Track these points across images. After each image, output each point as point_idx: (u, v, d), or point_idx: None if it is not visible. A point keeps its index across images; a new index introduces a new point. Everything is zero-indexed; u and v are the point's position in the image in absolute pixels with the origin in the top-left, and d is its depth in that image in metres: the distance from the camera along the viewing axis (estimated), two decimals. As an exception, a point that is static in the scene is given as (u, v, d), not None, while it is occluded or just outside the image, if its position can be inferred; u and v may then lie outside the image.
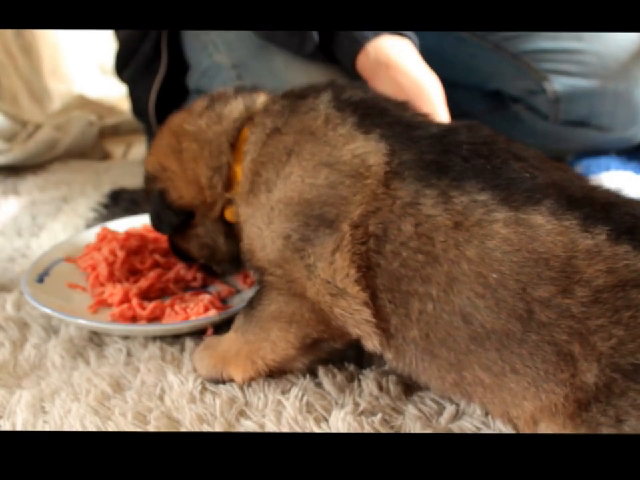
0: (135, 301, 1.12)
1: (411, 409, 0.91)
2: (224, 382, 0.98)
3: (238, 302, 1.16)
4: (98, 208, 1.64)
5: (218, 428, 0.89)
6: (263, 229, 0.93)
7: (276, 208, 0.92)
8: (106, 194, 1.71)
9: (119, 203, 1.66)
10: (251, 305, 0.97)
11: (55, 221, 1.58)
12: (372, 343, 0.87)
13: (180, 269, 1.22)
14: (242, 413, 0.92)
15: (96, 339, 1.11)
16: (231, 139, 1.02)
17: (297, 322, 0.92)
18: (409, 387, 0.96)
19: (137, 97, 1.82)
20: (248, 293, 1.18)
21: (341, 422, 0.87)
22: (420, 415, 0.90)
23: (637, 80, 1.59)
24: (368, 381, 0.96)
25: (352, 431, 0.86)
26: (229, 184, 1.02)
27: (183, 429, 0.89)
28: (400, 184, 0.85)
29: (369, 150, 0.88)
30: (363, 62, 1.25)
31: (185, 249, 1.14)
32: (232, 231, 1.05)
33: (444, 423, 0.89)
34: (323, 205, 0.88)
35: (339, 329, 0.90)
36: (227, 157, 1.02)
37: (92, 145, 2.01)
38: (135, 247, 1.26)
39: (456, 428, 0.88)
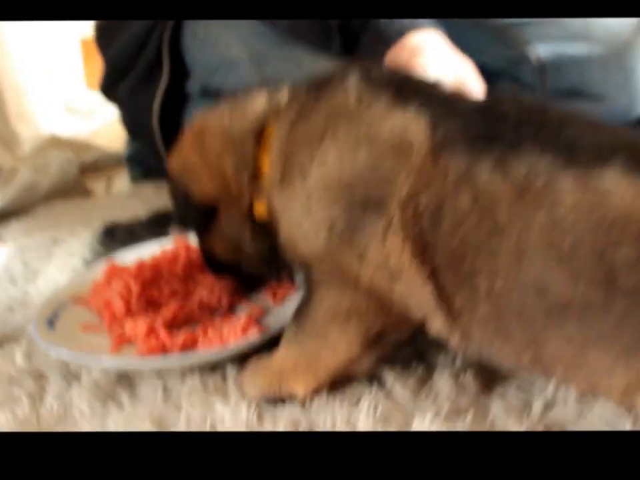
0: (162, 332, 1.02)
1: (497, 404, 0.82)
2: (283, 400, 0.89)
3: (272, 322, 1.06)
4: (93, 245, 1.53)
5: (288, 456, 0.79)
6: (302, 219, 0.85)
7: (314, 195, 0.84)
8: (98, 231, 1.60)
9: (115, 237, 1.55)
10: (300, 313, 0.89)
11: (48, 264, 1.46)
12: (437, 325, 0.81)
13: (203, 293, 1.11)
14: (310, 436, 0.82)
15: (124, 379, 1.00)
16: (256, 130, 0.94)
17: (356, 317, 0.84)
18: (487, 381, 0.87)
19: (136, 111, 1.73)
20: (281, 311, 1.09)
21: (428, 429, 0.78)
22: (509, 408, 0.81)
23: (626, 42, 1.54)
24: (442, 381, 0.87)
25: (444, 436, 0.77)
26: (255, 177, 0.94)
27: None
28: (448, 158, 0.77)
29: (408, 125, 0.81)
30: (395, 59, 1.18)
31: (211, 250, 1.05)
32: (261, 229, 0.96)
33: (537, 416, 0.80)
34: (365, 187, 0.81)
35: (401, 315, 0.83)
36: (252, 148, 0.94)
37: (73, 183, 1.90)
38: (149, 277, 1.16)
39: (551, 421, 0.79)
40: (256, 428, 0.85)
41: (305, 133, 0.87)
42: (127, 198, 1.85)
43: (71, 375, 1.03)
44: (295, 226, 0.86)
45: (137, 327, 1.04)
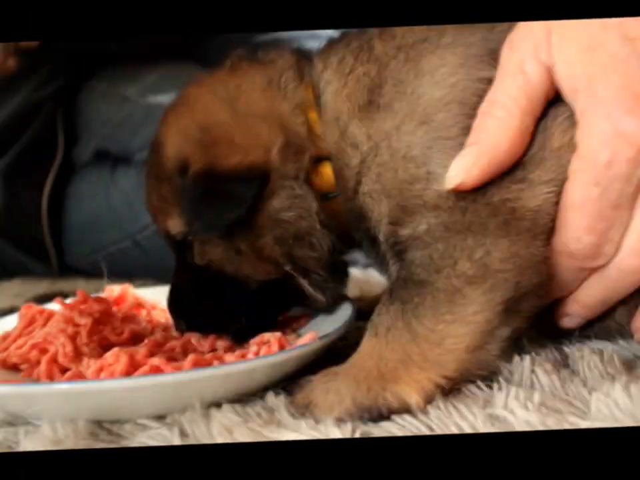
0: (156, 360, 0.70)
1: None
2: (382, 415, 0.62)
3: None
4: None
5: None
6: (429, 144, 0.69)
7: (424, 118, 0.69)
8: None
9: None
10: (398, 294, 0.67)
11: None
12: None
13: (188, 337, 0.81)
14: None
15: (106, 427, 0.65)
16: (297, 76, 0.77)
17: (491, 279, 0.65)
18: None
19: (13, 194, 1.43)
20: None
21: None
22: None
23: None
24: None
25: None
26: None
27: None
28: None
29: None
30: None
31: (236, 264, 0.76)
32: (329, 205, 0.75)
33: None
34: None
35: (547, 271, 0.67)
36: (301, 95, 0.76)
37: None
38: (100, 312, 0.83)
39: None
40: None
41: (381, 66, 0.74)
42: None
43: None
44: (415, 156, 0.69)
45: (110, 363, 0.71)
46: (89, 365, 0.72)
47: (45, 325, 0.83)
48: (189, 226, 0.76)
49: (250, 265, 0.76)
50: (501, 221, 0.66)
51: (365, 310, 0.77)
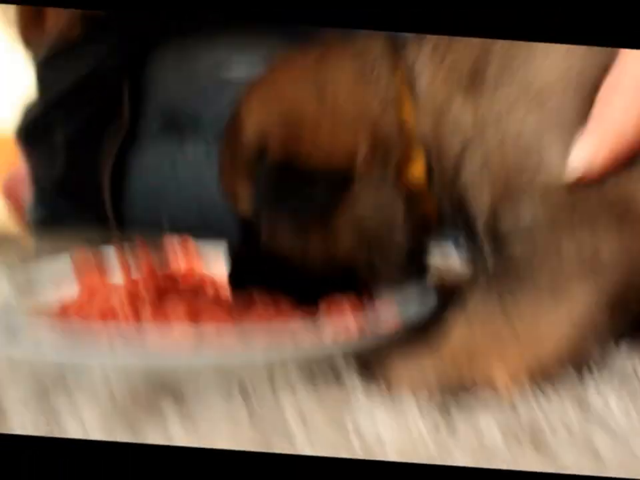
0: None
1: None
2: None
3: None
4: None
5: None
6: (523, 142, 0.64)
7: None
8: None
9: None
10: (497, 287, 0.64)
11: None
12: None
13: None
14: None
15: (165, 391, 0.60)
16: (390, 68, 0.72)
17: (599, 278, 0.61)
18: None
19: (76, 163, 1.40)
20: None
21: None
22: None
23: None
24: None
25: None
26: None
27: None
28: None
29: None
30: None
31: (303, 257, 0.73)
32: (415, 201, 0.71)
33: None
34: None
35: None
36: (394, 87, 0.70)
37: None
38: (164, 279, 0.79)
39: None
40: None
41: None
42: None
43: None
44: (526, 144, 0.63)
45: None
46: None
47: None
48: (258, 212, 0.74)
49: (317, 261, 0.73)
50: (613, 217, 0.61)
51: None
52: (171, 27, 1.37)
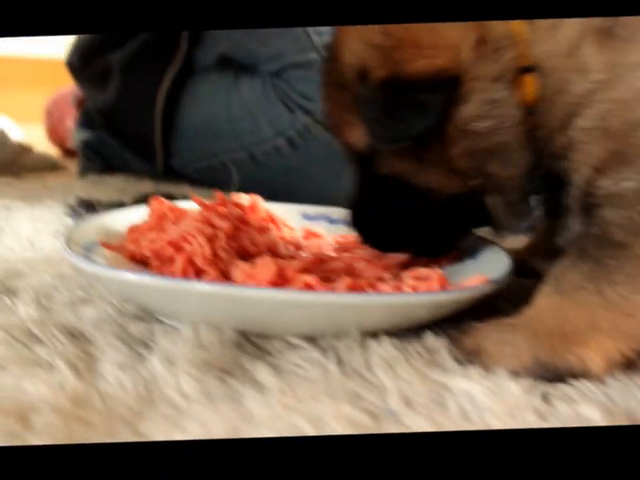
0: (309, 278, 0.64)
1: None
2: (560, 376, 0.57)
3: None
4: (74, 212, 1.10)
5: None
6: None
7: None
8: (71, 203, 1.17)
9: (95, 210, 1.13)
10: (591, 253, 0.60)
11: (11, 226, 1.02)
12: None
13: (352, 260, 0.75)
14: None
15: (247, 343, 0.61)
16: None
17: None
18: None
19: (129, 87, 1.38)
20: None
21: None
22: None
23: None
24: None
25: None
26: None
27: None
28: None
29: None
30: None
31: (423, 176, 0.68)
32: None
33: None
34: None
35: None
36: None
37: (10, 160, 1.44)
38: (238, 218, 0.78)
39: None
40: (547, 414, 0.50)
41: None
42: (88, 184, 1.42)
43: (135, 339, 0.62)
44: None
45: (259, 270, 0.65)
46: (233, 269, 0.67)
47: (176, 222, 0.78)
48: (372, 137, 0.68)
49: (438, 177, 0.68)
50: None
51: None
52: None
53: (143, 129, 1.41)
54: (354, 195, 0.75)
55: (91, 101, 1.55)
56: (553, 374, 0.56)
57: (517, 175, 0.66)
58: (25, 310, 0.67)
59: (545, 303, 0.60)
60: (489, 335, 0.59)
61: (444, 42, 0.63)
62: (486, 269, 0.71)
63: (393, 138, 0.66)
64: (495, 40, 0.64)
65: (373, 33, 0.67)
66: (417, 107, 0.64)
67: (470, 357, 0.58)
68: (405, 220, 0.71)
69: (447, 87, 0.63)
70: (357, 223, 0.75)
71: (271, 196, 1.30)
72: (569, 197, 0.64)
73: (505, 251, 0.75)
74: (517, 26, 0.64)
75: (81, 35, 1.49)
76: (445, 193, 0.68)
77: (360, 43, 0.68)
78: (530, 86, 0.64)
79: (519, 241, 0.91)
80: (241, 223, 0.78)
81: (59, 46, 1.87)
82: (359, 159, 0.73)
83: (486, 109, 0.64)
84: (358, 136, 0.70)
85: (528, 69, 0.64)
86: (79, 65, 1.50)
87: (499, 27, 0.64)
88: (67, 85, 1.87)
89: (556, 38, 0.63)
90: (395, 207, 0.71)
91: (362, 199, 0.74)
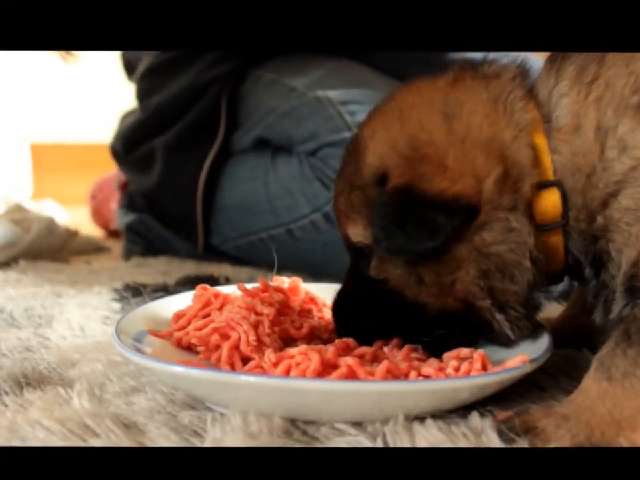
0: (350, 360, 0.66)
1: None
2: None
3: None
4: (121, 297, 1.14)
5: None
6: None
7: None
8: (118, 288, 1.20)
9: (141, 295, 1.17)
10: (637, 337, 0.60)
11: (60, 313, 1.05)
12: None
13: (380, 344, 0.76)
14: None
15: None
16: (525, 94, 0.69)
17: None
18: None
19: (172, 170, 1.44)
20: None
21: None
22: None
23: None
24: None
25: None
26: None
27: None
28: None
29: None
30: None
31: (415, 291, 0.70)
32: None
33: None
34: None
35: None
36: (528, 115, 0.68)
37: (59, 246, 1.50)
38: (280, 303, 0.80)
39: None
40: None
41: None
42: (133, 267, 1.47)
43: (186, 427, 0.64)
44: None
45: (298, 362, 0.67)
46: (270, 358, 0.69)
47: (220, 308, 0.81)
48: (375, 242, 0.70)
49: (431, 295, 0.70)
50: None
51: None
52: (268, 46, 1.40)
53: (184, 209, 1.46)
54: (343, 284, 0.77)
55: (133, 184, 1.61)
56: None
57: (521, 290, 0.68)
58: (79, 401, 0.70)
59: (594, 390, 0.60)
60: (542, 418, 0.60)
61: (469, 170, 0.66)
62: (525, 345, 0.72)
63: (396, 248, 0.68)
64: (517, 171, 0.67)
65: (401, 140, 0.70)
66: (426, 225, 0.65)
67: (524, 435, 0.58)
68: (387, 324, 0.73)
69: (461, 214, 0.65)
70: (336, 312, 0.77)
71: (309, 269, 1.32)
72: (610, 278, 0.65)
73: (543, 325, 0.76)
74: (543, 148, 0.67)
75: (124, 123, 1.57)
76: (436, 309, 0.70)
77: (386, 147, 0.71)
78: (550, 203, 0.67)
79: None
80: (283, 307, 0.80)
81: (102, 132, 1.97)
82: (354, 253, 0.75)
83: (503, 236, 0.67)
84: (358, 235, 0.73)
85: (546, 185, 0.67)
86: (122, 150, 1.56)
87: (523, 157, 0.67)
88: (110, 170, 1.95)
89: (583, 137, 0.66)
90: (378, 308, 0.72)
91: (348, 291, 0.76)
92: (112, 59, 1.68)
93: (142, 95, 1.51)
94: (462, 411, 0.64)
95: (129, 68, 1.60)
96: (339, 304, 0.78)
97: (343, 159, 0.78)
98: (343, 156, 0.78)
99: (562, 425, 0.58)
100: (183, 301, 0.86)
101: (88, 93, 2.76)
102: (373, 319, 0.75)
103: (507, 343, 0.72)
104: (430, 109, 0.70)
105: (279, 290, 0.83)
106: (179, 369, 0.63)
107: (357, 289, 0.76)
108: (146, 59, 1.50)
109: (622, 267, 0.63)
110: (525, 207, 0.67)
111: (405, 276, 0.70)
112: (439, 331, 0.71)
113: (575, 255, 0.68)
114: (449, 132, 0.67)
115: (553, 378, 0.76)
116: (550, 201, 0.67)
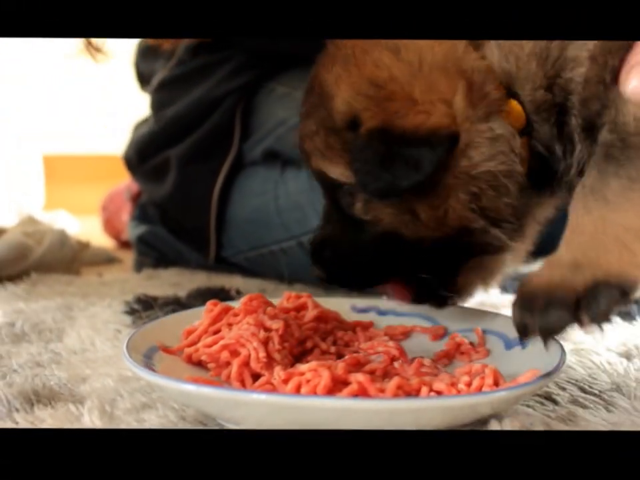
0: (360, 377, 0.65)
1: None
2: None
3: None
4: (132, 310, 1.14)
5: None
6: None
7: None
8: (129, 301, 1.21)
9: (152, 308, 1.17)
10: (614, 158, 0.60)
11: (71, 326, 1.06)
12: None
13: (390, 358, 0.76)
14: None
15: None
16: None
17: None
18: None
19: (186, 181, 1.44)
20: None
21: None
22: None
23: None
24: None
25: None
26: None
27: None
28: None
29: None
30: None
31: (410, 226, 0.70)
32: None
33: None
34: None
35: None
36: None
37: (70, 259, 1.50)
38: (291, 318, 0.80)
39: None
40: None
41: None
42: (144, 279, 1.47)
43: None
44: None
45: (308, 378, 0.66)
46: (280, 375, 0.69)
47: (230, 325, 0.81)
48: (361, 187, 0.69)
49: (427, 227, 0.69)
50: None
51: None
52: (282, 58, 1.40)
53: (197, 220, 1.46)
54: (319, 229, 0.75)
55: (146, 194, 1.61)
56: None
57: (514, 200, 0.69)
58: (90, 418, 0.70)
59: (590, 222, 0.58)
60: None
61: (437, 96, 0.66)
62: (536, 357, 0.72)
63: (383, 190, 0.67)
64: (479, 80, 0.67)
65: (362, 83, 0.70)
66: (409, 162, 0.65)
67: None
68: (378, 262, 0.72)
69: (444, 145, 0.65)
70: (319, 257, 0.75)
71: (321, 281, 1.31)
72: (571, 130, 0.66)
73: (555, 339, 0.75)
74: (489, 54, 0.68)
75: (137, 132, 1.58)
76: (432, 238, 0.70)
77: (351, 92, 0.70)
78: (516, 107, 0.67)
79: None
80: (294, 322, 0.80)
81: (114, 143, 1.98)
82: (332, 189, 0.74)
83: (491, 148, 0.67)
84: (341, 175, 0.72)
85: (510, 94, 0.67)
86: (136, 160, 1.57)
87: (476, 64, 0.67)
88: (122, 181, 1.96)
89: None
90: (367, 247, 0.71)
91: (329, 233, 0.75)
92: (125, 70, 1.68)
93: (157, 107, 1.51)
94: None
95: (142, 79, 1.60)
96: (321, 248, 0.76)
97: (306, 97, 0.78)
98: (306, 93, 0.78)
99: (577, 273, 0.57)
100: (195, 315, 0.86)
101: (100, 104, 2.78)
102: (364, 261, 0.74)
103: (503, 253, 0.73)
104: (378, 49, 0.70)
105: (289, 309, 0.83)
106: (190, 387, 0.63)
107: (340, 230, 0.75)
108: (161, 71, 1.50)
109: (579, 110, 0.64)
110: (500, 111, 0.67)
111: (396, 214, 0.70)
112: (434, 262, 0.71)
113: (540, 150, 0.69)
114: (403, 63, 0.67)
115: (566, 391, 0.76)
116: (513, 105, 0.68)
